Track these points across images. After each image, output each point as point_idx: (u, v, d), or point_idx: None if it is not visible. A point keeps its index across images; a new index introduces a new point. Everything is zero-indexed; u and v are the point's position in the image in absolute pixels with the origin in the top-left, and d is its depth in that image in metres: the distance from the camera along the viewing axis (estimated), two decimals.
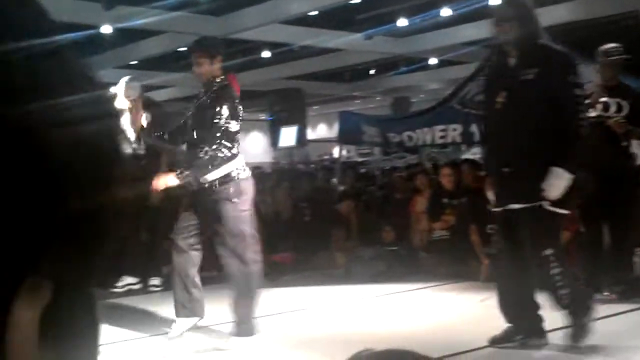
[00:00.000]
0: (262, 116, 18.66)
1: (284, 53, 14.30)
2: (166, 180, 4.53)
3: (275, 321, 5.10)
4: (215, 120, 4.43)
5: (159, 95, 15.66)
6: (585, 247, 5.81)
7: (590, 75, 5.59)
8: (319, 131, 26.82)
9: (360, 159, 16.65)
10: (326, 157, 19.67)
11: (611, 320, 4.85)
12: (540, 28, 4.25)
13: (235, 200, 4.47)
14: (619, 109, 5.46)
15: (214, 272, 5.89)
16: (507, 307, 4.31)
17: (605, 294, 5.45)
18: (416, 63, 16.16)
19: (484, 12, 11.60)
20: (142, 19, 10.68)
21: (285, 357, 4.41)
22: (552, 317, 4.27)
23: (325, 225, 7.94)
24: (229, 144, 4.46)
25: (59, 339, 0.50)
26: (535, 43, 4.15)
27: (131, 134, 6.53)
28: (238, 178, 4.51)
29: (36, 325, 0.47)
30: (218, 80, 4.60)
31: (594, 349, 4.16)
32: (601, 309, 4.57)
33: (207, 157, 4.41)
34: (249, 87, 18.59)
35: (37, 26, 0.51)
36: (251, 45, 14.06)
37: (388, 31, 12.89)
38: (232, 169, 4.50)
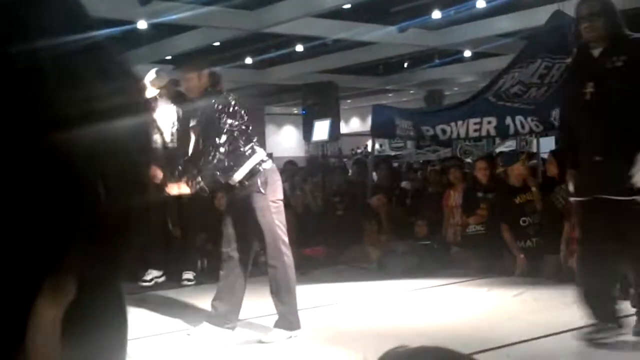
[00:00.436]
0: (295, 110, 18.70)
1: (317, 47, 14.29)
2: (178, 188, 4.59)
3: (308, 315, 5.11)
4: (221, 127, 4.50)
5: None
6: None
7: None
8: (352, 125, 26.81)
9: (393, 153, 16.59)
10: (359, 150, 19.66)
11: None
12: (623, 19, 4.26)
13: (263, 191, 4.55)
14: None
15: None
16: (591, 301, 4.26)
17: None
18: (450, 56, 16.03)
19: (519, 4, 11.48)
20: (177, 14, 10.77)
21: (317, 351, 4.42)
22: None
23: (357, 219, 7.94)
24: (244, 143, 4.57)
25: (85, 335, 0.50)
26: (622, 34, 4.18)
27: (162, 125, 6.64)
28: (263, 169, 4.59)
29: (59, 325, 0.47)
30: (210, 89, 4.71)
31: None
32: None
33: (215, 162, 4.47)
34: (282, 81, 18.68)
35: (73, 22, 0.51)
36: (284, 39, 14.09)
37: (422, 24, 12.79)
38: (254, 163, 4.59)
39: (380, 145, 18.02)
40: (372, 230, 7.78)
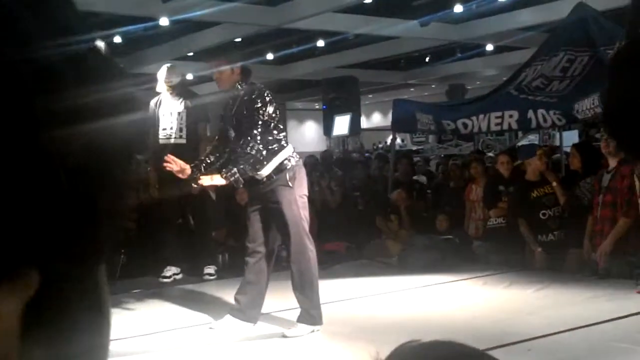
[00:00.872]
0: (317, 106, 18.68)
1: (339, 42, 14.27)
2: (212, 180, 4.62)
3: (330, 309, 5.13)
4: (257, 118, 4.57)
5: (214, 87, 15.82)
6: None
7: None
8: (374, 120, 26.73)
9: (415, 147, 16.53)
10: (380, 145, 19.60)
11: None
12: None
13: (291, 184, 4.59)
14: None
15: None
16: None
17: None
18: (472, 49, 15.92)
19: None
20: (199, 11, 10.82)
21: (339, 346, 4.44)
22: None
23: (378, 214, 7.94)
24: (275, 137, 4.61)
25: (52, 331, 0.46)
26: None
27: (171, 122, 6.73)
28: (291, 165, 4.63)
29: (17, 320, 0.44)
30: (241, 83, 4.77)
31: None
32: None
33: (253, 153, 4.51)
34: (304, 76, 18.67)
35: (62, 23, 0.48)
36: (306, 35, 14.09)
37: (444, 18, 12.71)
38: (284, 158, 4.63)
39: (402, 140, 17.97)
40: (393, 225, 7.78)
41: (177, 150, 5.98)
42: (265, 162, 4.58)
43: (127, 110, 0.53)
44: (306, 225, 4.64)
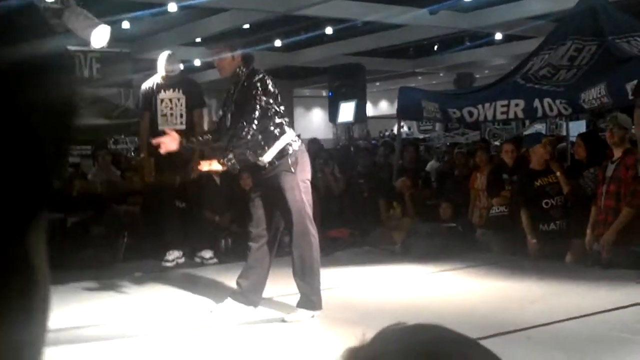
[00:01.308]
0: (324, 93, 18.65)
1: (347, 29, 14.22)
2: (210, 165, 4.64)
3: (331, 295, 5.14)
4: (255, 103, 4.57)
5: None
6: None
7: None
8: (381, 107, 26.69)
9: (421, 136, 16.49)
10: (387, 133, 19.57)
11: None
12: None
13: (293, 170, 4.59)
14: None
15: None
16: None
17: None
18: (481, 38, 15.84)
19: None
20: None
21: (338, 331, 4.45)
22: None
23: (382, 201, 7.93)
24: (276, 122, 4.62)
25: None
26: None
27: (170, 108, 6.80)
28: (293, 150, 4.63)
29: None
30: (243, 69, 4.76)
31: None
32: None
33: (248, 138, 4.52)
34: (311, 64, 18.62)
35: None
36: (314, 22, 14.04)
37: (452, 6, 12.64)
38: (285, 143, 4.63)
39: (409, 128, 17.92)
40: (396, 213, 7.77)
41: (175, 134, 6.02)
42: (266, 147, 4.58)
43: (57, 65, 0.52)
44: (309, 210, 4.64)
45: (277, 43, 15.56)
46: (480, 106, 8.11)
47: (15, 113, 0.47)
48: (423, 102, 8.53)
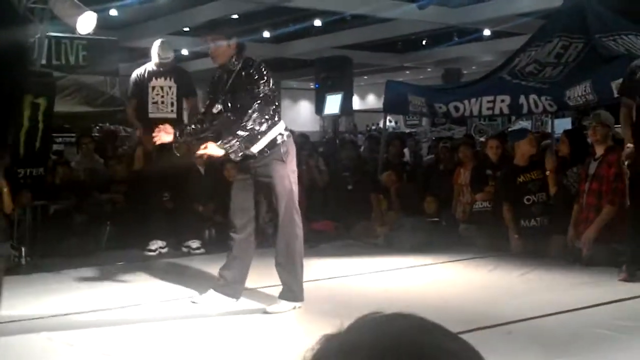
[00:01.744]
0: (312, 85, 18.62)
1: (336, 22, 14.20)
2: (211, 150, 4.58)
3: (313, 287, 5.13)
4: (256, 93, 4.54)
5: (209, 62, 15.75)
6: (631, 221, 5.65)
7: None
8: (369, 101, 26.70)
9: (408, 130, 16.51)
10: (374, 127, 19.57)
11: None
12: None
13: (284, 159, 4.59)
14: None
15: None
16: None
17: None
18: (469, 34, 15.88)
19: None
20: None
21: (319, 322, 4.45)
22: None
23: (367, 195, 7.93)
24: (270, 112, 4.58)
25: None
26: None
27: (161, 96, 6.79)
28: (283, 140, 4.62)
29: None
30: (236, 58, 4.72)
31: None
32: None
33: (250, 128, 4.48)
34: (300, 55, 18.59)
35: None
36: (303, 14, 14.01)
37: (442, 1, 12.66)
38: (277, 133, 4.62)
39: (396, 122, 17.93)
40: (381, 206, 7.78)
41: (168, 124, 5.98)
42: (259, 137, 4.56)
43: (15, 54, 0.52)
44: (296, 201, 4.64)
45: (266, 34, 15.52)
46: (466, 101, 8.14)
47: None
48: (409, 96, 8.54)
